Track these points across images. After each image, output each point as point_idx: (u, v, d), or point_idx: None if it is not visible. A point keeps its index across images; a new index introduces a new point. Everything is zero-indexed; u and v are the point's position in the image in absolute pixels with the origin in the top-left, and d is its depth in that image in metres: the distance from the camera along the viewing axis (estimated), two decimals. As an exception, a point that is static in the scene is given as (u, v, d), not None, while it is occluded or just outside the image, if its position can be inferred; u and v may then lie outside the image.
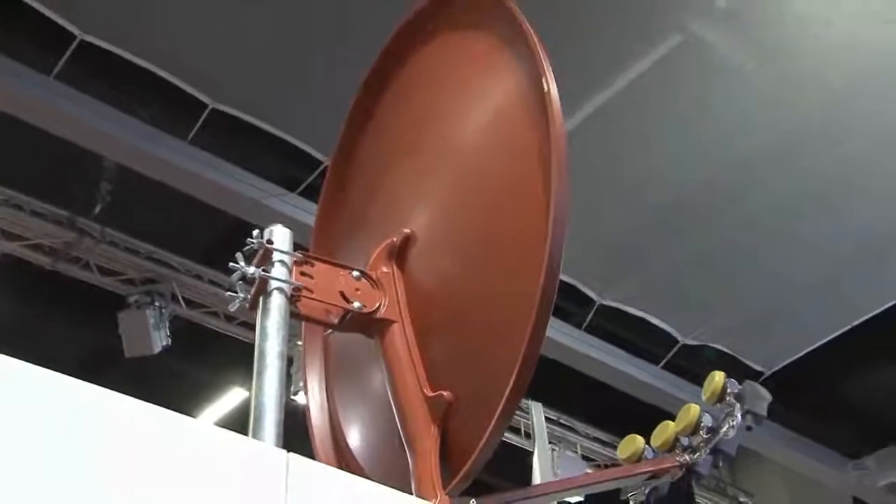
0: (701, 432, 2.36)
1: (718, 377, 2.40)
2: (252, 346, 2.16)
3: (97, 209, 7.32)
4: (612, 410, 9.02)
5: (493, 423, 2.03)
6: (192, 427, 1.77)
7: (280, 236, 2.26)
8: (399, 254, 2.46)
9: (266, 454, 1.85)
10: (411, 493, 2.09)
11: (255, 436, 1.98)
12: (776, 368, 8.53)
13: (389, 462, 2.37)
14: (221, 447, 1.78)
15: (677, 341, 8.49)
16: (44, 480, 1.51)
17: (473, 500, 2.08)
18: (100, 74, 6.33)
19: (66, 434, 1.56)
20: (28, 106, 6.30)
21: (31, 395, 1.57)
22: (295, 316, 2.25)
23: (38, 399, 1.57)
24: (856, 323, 8.10)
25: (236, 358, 8.24)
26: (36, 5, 5.96)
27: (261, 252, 2.23)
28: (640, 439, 2.41)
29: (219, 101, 6.51)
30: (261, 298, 2.20)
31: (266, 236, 2.25)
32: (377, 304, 2.36)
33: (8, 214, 7.25)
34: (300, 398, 2.82)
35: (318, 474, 1.89)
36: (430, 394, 2.22)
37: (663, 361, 8.56)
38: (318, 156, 6.67)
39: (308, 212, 5.86)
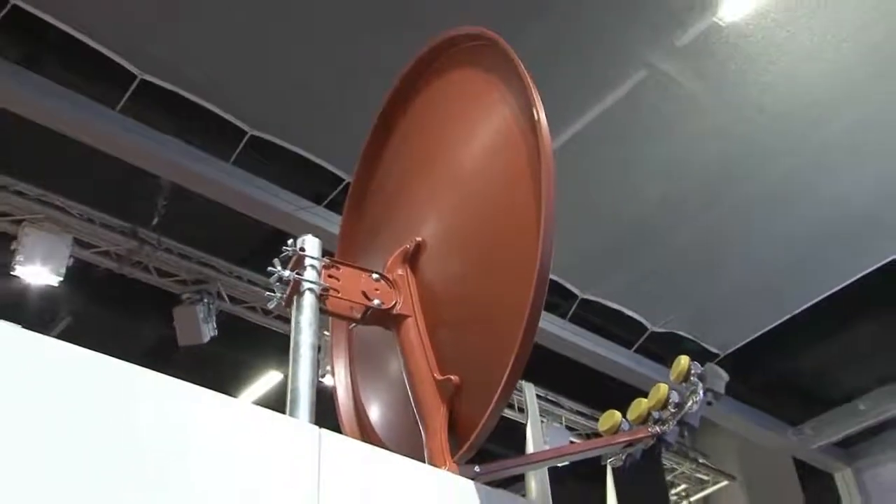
0: (669, 407, 2.37)
1: (684, 361, 2.41)
2: (284, 335, 2.17)
3: (155, 221, 7.35)
4: (592, 388, 9.02)
5: (494, 402, 2.03)
6: (237, 407, 1.76)
7: (311, 244, 2.27)
8: (412, 259, 2.46)
9: (301, 429, 1.84)
10: (424, 462, 2.09)
11: (291, 414, 1.98)
12: (730, 350, 8.57)
13: (405, 435, 2.37)
14: (263, 424, 1.77)
15: (647, 329, 8.50)
16: (106, 451, 1.50)
17: (477, 466, 2.08)
18: (156, 107, 6.35)
19: (128, 413, 1.57)
20: (98, 135, 6.32)
21: (102, 382, 1.57)
22: (324, 312, 2.25)
23: (106, 385, 1.57)
24: (795, 312, 8.16)
25: (271, 346, 8.26)
26: (104, 50, 6.00)
27: (295, 258, 2.24)
28: (617, 414, 2.42)
29: (256, 129, 6.53)
30: (295, 297, 2.21)
31: (299, 244, 2.26)
32: (394, 302, 2.36)
33: (82, 227, 7.27)
34: (328, 380, 2.80)
35: (345, 447, 1.89)
36: (440, 377, 2.22)
37: (635, 346, 8.56)
38: (341, 174, 6.68)
39: (333, 222, 5.86)
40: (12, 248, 6.91)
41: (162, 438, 1.58)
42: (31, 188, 7.06)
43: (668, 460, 10.37)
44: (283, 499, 1.68)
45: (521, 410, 7.45)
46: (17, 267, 6.88)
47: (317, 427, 1.83)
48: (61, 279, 7.00)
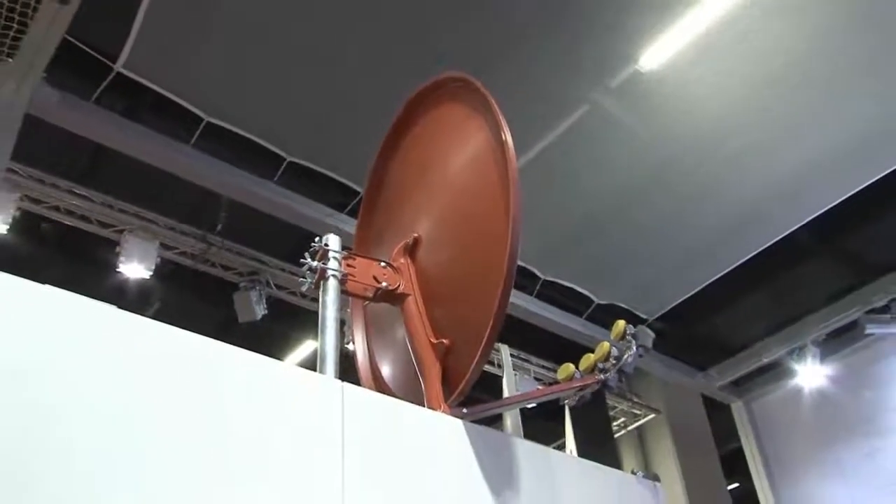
0: (611, 360, 2.37)
1: (621, 324, 2.40)
2: (317, 312, 2.13)
3: (218, 228, 7.38)
4: (553, 348, 9.01)
5: (477, 358, 2.00)
6: (279, 367, 1.72)
7: (333, 241, 2.24)
8: (411, 250, 2.43)
9: (328, 383, 1.80)
10: (424, 406, 2.05)
11: (320, 372, 1.94)
12: (655, 315, 8.61)
13: (409, 387, 2.33)
14: (298, 379, 1.74)
15: (594, 301, 8.51)
16: (185, 406, 1.47)
17: (465, 409, 2.04)
18: (218, 142, 6.36)
19: (203, 373, 1.54)
20: (177, 165, 6.40)
21: (184, 351, 1.56)
22: (344, 293, 2.22)
23: (187, 352, 1.56)
24: (703, 285, 8.23)
25: (308, 322, 8.22)
26: (181, 101, 6.06)
27: (321, 252, 2.20)
28: (571, 366, 2.41)
29: (292, 156, 6.58)
30: (321, 282, 2.18)
31: (324, 241, 2.23)
32: (398, 284, 2.32)
33: (166, 234, 7.27)
34: (350, 347, 2.75)
35: (363, 395, 1.85)
36: (435, 341, 2.19)
37: (585, 315, 8.56)
38: (356, 188, 6.69)
39: (351, 224, 5.87)
40: (116, 251, 6.96)
41: (227, 391, 1.56)
42: (129, 206, 7.09)
43: (610, 401, 10.36)
44: (315, 436, 1.65)
45: (499, 366, 7.46)
46: (120, 265, 6.93)
47: (340, 381, 1.80)
48: (152, 273, 7.03)
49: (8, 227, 6.37)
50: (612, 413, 10.53)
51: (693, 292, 8.36)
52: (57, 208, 6.83)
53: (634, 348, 2.36)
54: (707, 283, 8.23)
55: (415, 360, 2.21)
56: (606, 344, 2.37)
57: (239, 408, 1.56)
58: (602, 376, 2.33)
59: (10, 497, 1.19)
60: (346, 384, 1.78)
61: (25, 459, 1.23)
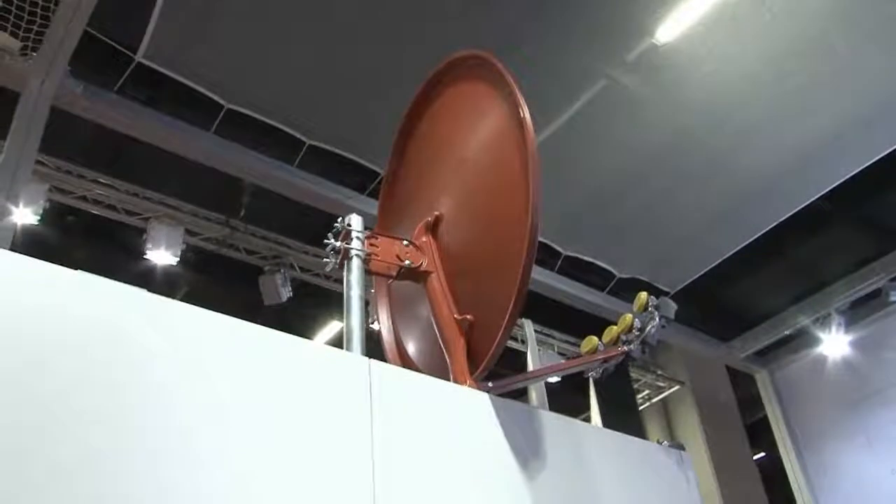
0: (634, 331, 2.34)
1: (643, 295, 2.37)
2: (341, 293, 2.14)
3: (241, 214, 7.42)
4: (575, 323, 8.99)
5: (501, 333, 2.00)
6: (306, 346, 1.74)
7: (355, 221, 2.24)
8: (433, 228, 2.43)
9: (355, 360, 1.82)
10: (449, 381, 2.06)
11: (346, 349, 1.96)
12: (677, 288, 8.53)
13: (434, 363, 2.34)
14: (325, 357, 1.75)
15: (615, 276, 8.46)
16: (215, 387, 1.49)
17: (490, 383, 2.05)
18: (239, 128, 6.37)
19: (232, 354, 1.55)
20: (199, 152, 6.41)
21: (212, 333, 1.58)
22: (368, 272, 2.22)
23: (215, 335, 1.58)
24: (726, 256, 8.16)
25: (333, 303, 8.26)
26: (200, 89, 6.06)
27: (343, 232, 2.21)
28: (595, 339, 2.39)
29: (312, 139, 6.56)
30: (345, 262, 2.18)
31: (346, 221, 2.23)
32: (421, 262, 2.32)
33: (190, 220, 7.35)
34: (375, 326, 2.77)
35: (390, 372, 1.86)
36: (459, 317, 2.18)
37: (606, 289, 8.51)
38: (377, 169, 6.69)
39: (372, 206, 5.87)
40: (143, 238, 7.04)
41: (255, 368, 1.57)
42: (154, 194, 7.16)
43: (634, 373, 10.36)
44: (343, 413, 1.66)
45: (523, 342, 7.47)
46: (147, 252, 7.00)
47: (367, 358, 1.81)
48: (178, 259, 7.10)
49: (39, 218, 6.46)
50: (636, 386, 10.53)
51: (715, 264, 8.30)
52: (84, 198, 6.91)
53: (657, 319, 2.34)
54: (728, 254, 8.16)
55: (439, 336, 2.22)
56: (629, 316, 2.35)
57: (268, 387, 1.57)
58: (626, 348, 2.32)
59: (42, 479, 1.22)
60: (372, 360, 1.79)
61: (53, 445, 1.26)
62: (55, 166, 6.69)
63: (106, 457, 1.28)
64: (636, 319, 2.36)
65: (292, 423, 1.56)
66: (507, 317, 1.97)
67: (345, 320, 2.05)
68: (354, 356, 1.88)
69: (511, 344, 8.01)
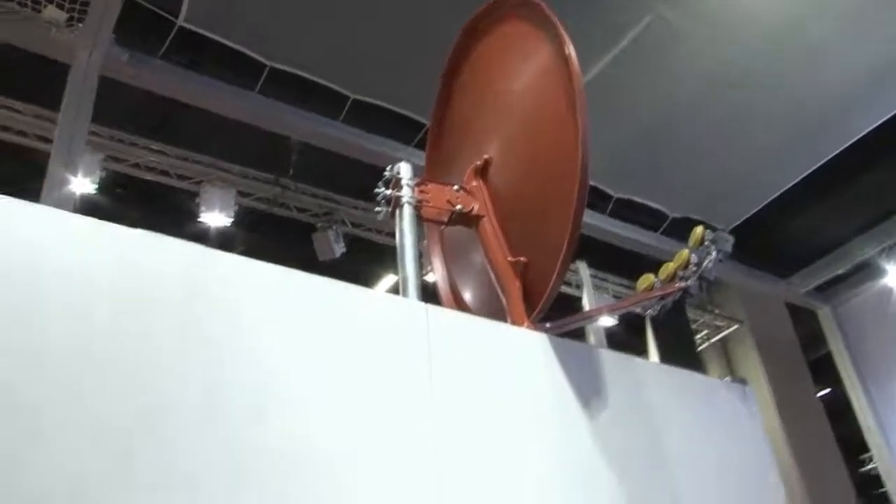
0: (690, 267, 2.29)
1: (699, 229, 2.32)
2: (394, 247, 2.15)
3: (291, 172, 7.48)
4: (629, 266, 8.90)
5: (556, 273, 2.00)
6: (364, 294, 1.75)
7: (404, 169, 2.25)
8: (482, 172, 2.41)
9: (412, 306, 1.83)
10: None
11: (403, 296, 1.97)
12: (732, 225, 8.35)
13: (491, 308, 2.34)
14: (383, 305, 1.76)
15: (668, 216, 8.33)
16: (276, 338, 1.51)
17: (548, 323, 2.05)
18: (283, 86, 6.38)
19: (291, 304, 1.57)
20: (245, 112, 6.47)
21: (271, 285, 1.61)
22: (419, 219, 2.22)
23: (275, 286, 1.61)
24: (783, 189, 7.94)
25: (386, 256, 8.32)
26: (243, 49, 6.08)
27: (393, 180, 2.20)
28: (651, 276, 2.35)
29: (357, 93, 6.55)
30: (397, 210, 2.18)
31: (396, 170, 2.23)
32: (472, 206, 2.32)
33: (241, 181, 7.46)
34: (429, 278, 2.78)
35: (448, 316, 1.87)
36: (513, 259, 2.18)
37: (660, 230, 8.39)
38: (422, 120, 6.64)
39: (419, 157, 5.87)
40: (196, 202, 7.16)
41: (316, 321, 1.60)
42: (204, 157, 7.27)
43: (691, 314, 10.26)
44: (403, 359, 1.68)
45: (577, 287, 7.44)
46: (201, 215, 7.13)
47: (424, 303, 1.82)
48: (232, 220, 7.21)
49: (96, 187, 6.61)
50: (694, 326, 10.44)
51: (770, 199, 8.09)
52: (137, 165, 7.04)
53: (714, 253, 2.29)
54: (785, 188, 7.94)
55: (494, 279, 2.22)
56: (685, 251, 2.31)
57: (330, 335, 1.59)
58: (683, 283, 2.28)
59: (135, 430, 1.26)
60: (430, 305, 1.80)
61: (139, 391, 1.29)
62: (108, 135, 6.81)
63: (184, 404, 1.32)
64: (692, 255, 2.32)
65: (354, 372, 1.58)
66: (561, 257, 1.96)
67: (399, 268, 2.06)
68: (411, 302, 1.89)
69: (565, 290, 7.99)
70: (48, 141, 5.96)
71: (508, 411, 1.78)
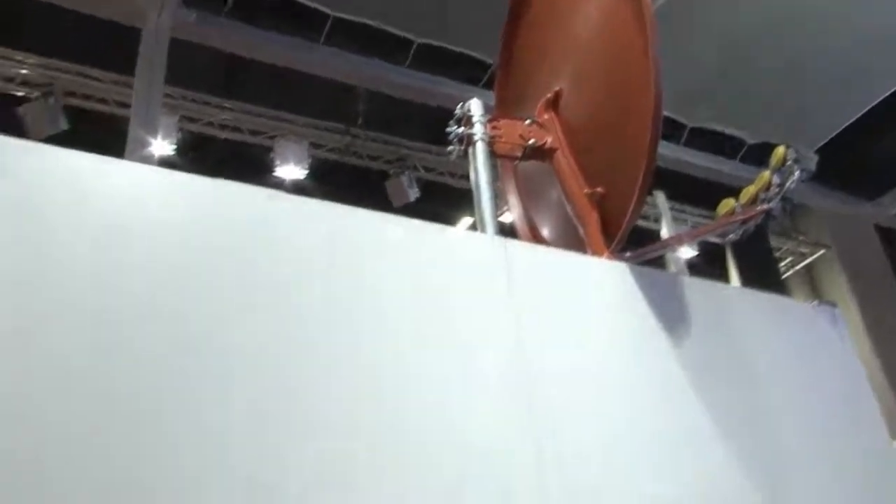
0: (773, 188, 2.22)
1: (781, 149, 2.23)
2: (468, 190, 2.16)
3: (360, 120, 7.52)
4: (707, 196, 8.67)
5: (634, 201, 1.98)
6: (442, 232, 1.77)
7: (475, 105, 2.24)
8: (554, 104, 2.38)
9: (490, 240, 1.84)
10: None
11: (480, 231, 1.99)
12: (815, 148, 8.00)
13: (568, 241, 2.33)
14: (461, 242, 1.77)
15: (745, 142, 8.07)
16: (362, 278, 1.54)
17: (627, 252, 2.03)
18: (348, 36, 6.41)
19: (379, 242, 1.62)
20: (311, 64, 6.54)
21: (352, 225, 1.65)
22: (493, 155, 2.22)
23: (355, 227, 1.64)
24: (866, 108, 7.58)
25: (461, 200, 8.33)
26: (304, 0, 6.06)
27: (465, 118, 2.20)
28: (732, 200, 2.29)
29: (421, 37, 6.51)
30: (469, 148, 2.18)
31: (466, 108, 2.22)
32: (545, 140, 2.30)
33: (312, 133, 7.54)
34: (504, 219, 2.78)
35: (527, 249, 1.88)
36: (589, 191, 2.16)
37: (738, 157, 8.15)
38: (488, 60, 6.57)
39: (488, 98, 5.83)
40: (270, 156, 7.26)
41: (395, 260, 1.62)
42: (275, 112, 7.35)
43: (774, 242, 9.97)
44: (485, 293, 1.69)
45: (655, 220, 7.32)
46: (276, 169, 7.24)
47: (502, 237, 1.83)
48: (307, 171, 7.30)
49: (174, 148, 6.80)
50: (777, 254, 10.16)
51: (853, 119, 7.74)
52: (211, 123, 7.19)
53: (797, 173, 2.20)
54: (868, 106, 7.57)
55: (571, 212, 2.21)
56: (766, 173, 2.23)
57: (408, 276, 1.61)
58: (765, 206, 2.21)
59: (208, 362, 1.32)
60: (508, 240, 1.81)
61: (222, 328, 1.35)
62: (181, 96, 6.97)
63: (269, 339, 1.38)
64: (774, 176, 2.24)
65: (435, 310, 1.60)
66: (638, 185, 1.94)
67: (475, 205, 2.07)
68: (489, 237, 1.90)
69: (642, 224, 7.86)
70: (127, 106, 6.14)
71: (593, 342, 1.79)
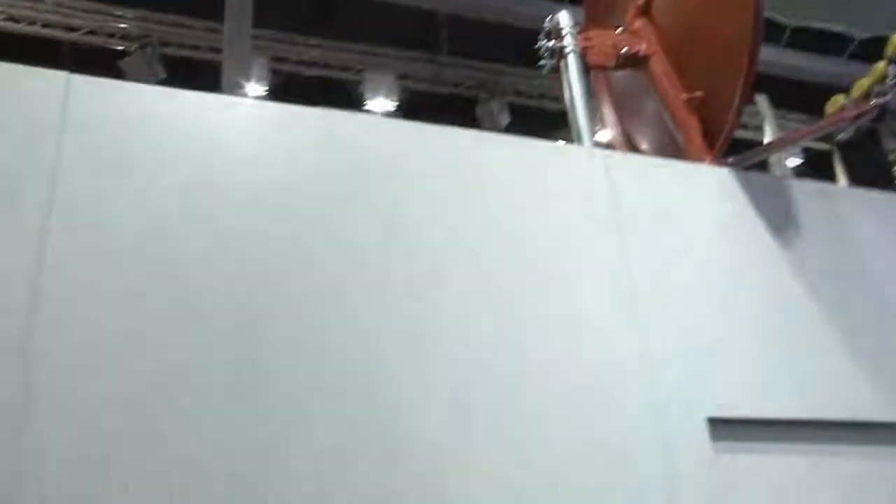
0: (888, 80, 2.07)
1: (896, 37, 2.08)
2: (559, 112, 2.12)
3: (445, 48, 7.47)
4: (814, 101, 8.20)
5: (736, 103, 1.91)
6: (541, 146, 1.76)
7: (564, 18, 2.20)
8: (646, 10, 2.30)
9: (590, 152, 1.83)
10: (688, 162, 2.01)
11: (578, 143, 1.98)
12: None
13: (666, 151, 2.27)
14: (562, 155, 1.77)
15: (853, 38, 7.55)
16: (467, 196, 1.57)
17: (730, 158, 1.98)
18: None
19: (476, 162, 1.63)
20: None
21: (455, 144, 1.64)
22: (586, 66, 2.17)
23: (458, 147, 1.64)
24: None
25: (552, 122, 8.19)
26: None
27: (554, 31, 2.16)
28: (841, 96, 2.16)
29: None
30: (561, 62, 2.14)
31: (555, 20, 2.18)
32: (639, 47, 2.23)
33: (400, 65, 7.51)
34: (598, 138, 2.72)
35: (627, 158, 1.86)
36: (688, 96, 2.09)
37: (847, 54, 7.64)
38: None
39: (577, 14, 5.67)
40: (359, 90, 7.32)
41: (501, 174, 1.64)
42: (360, 46, 7.36)
43: (889, 143, 9.36)
44: (588, 204, 1.69)
45: (756, 128, 7.01)
46: (367, 102, 7.28)
47: (599, 149, 1.81)
48: (396, 103, 7.33)
49: (266, 88, 6.93)
50: (892, 158, 9.57)
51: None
52: (301, 62, 7.28)
53: (917, 62, 2.06)
54: None
55: (669, 120, 2.15)
56: (881, 64, 2.09)
57: (510, 191, 1.63)
58: (881, 100, 2.08)
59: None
60: (607, 150, 1.79)
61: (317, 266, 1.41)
62: (268, 38, 7.06)
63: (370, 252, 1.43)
64: (891, 67, 2.11)
65: (540, 223, 1.61)
66: (740, 85, 1.87)
67: (570, 119, 2.04)
68: (587, 148, 1.88)
69: (743, 134, 7.54)
70: (220, 51, 6.28)
71: (700, 247, 1.75)
